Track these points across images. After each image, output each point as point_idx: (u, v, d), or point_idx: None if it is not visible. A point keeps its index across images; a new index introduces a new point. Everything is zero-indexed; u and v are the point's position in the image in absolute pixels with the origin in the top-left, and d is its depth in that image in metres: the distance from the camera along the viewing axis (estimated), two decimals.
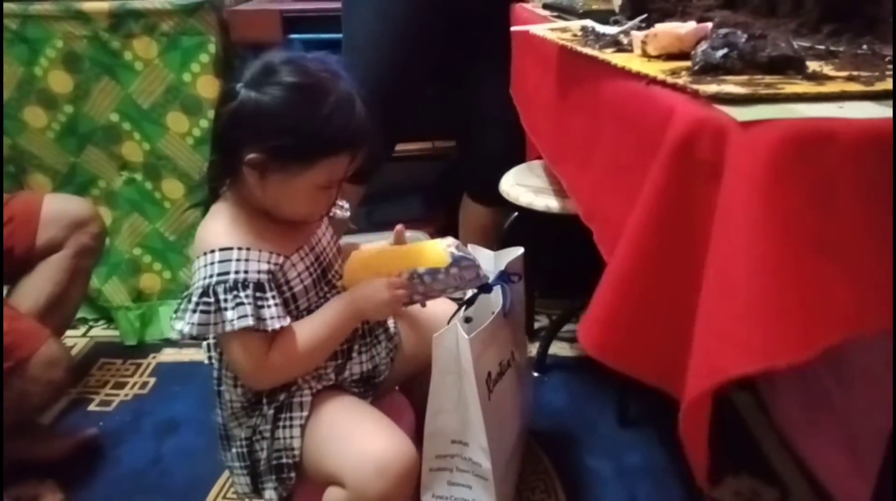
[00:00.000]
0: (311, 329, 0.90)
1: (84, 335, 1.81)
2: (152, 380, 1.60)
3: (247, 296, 0.84)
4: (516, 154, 1.59)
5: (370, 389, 1.04)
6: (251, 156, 0.84)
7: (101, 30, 1.62)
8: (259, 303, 0.85)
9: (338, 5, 1.55)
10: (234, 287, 0.84)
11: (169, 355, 1.69)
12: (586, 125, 0.86)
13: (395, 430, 0.92)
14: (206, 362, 1.01)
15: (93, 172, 1.76)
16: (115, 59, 1.65)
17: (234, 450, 0.98)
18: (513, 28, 1.11)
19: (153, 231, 1.79)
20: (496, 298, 1.13)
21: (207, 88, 1.67)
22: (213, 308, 0.83)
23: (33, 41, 1.62)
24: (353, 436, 0.90)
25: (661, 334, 0.58)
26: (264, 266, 0.87)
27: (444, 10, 1.44)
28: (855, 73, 0.62)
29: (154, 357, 1.69)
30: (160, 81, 1.67)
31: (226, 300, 0.83)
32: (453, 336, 1.01)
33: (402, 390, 1.18)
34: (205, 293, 0.84)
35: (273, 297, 0.86)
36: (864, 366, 1.10)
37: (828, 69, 0.64)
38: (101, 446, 1.35)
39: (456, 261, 0.96)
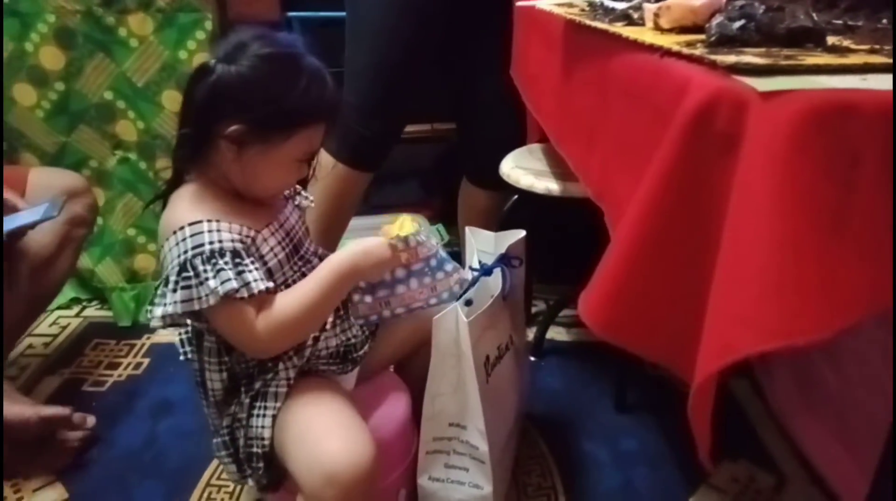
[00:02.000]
0: (303, 291, 0.88)
1: (77, 315, 1.79)
2: (146, 361, 1.58)
3: (226, 263, 0.82)
4: (516, 137, 1.57)
5: (349, 364, 1.02)
6: (233, 128, 0.83)
7: (95, 5, 1.58)
8: (240, 268, 0.83)
9: None
10: (212, 256, 0.82)
11: (163, 336, 1.67)
12: (594, 103, 0.84)
13: (357, 434, 0.88)
14: (182, 358, 0.99)
15: (84, 151, 1.73)
16: (109, 36, 1.62)
17: (218, 439, 0.97)
18: (518, 3, 1.09)
19: (147, 211, 1.76)
20: (495, 281, 1.12)
21: None
22: (194, 282, 0.81)
23: (25, 15, 1.58)
24: (310, 439, 0.87)
25: (669, 311, 0.57)
26: (237, 237, 0.85)
27: None
28: (876, 46, 0.60)
29: (148, 338, 1.67)
30: (155, 59, 1.64)
31: (206, 271, 0.81)
32: (453, 319, 0.99)
33: (398, 370, 1.17)
34: (183, 269, 0.81)
35: (252, 262, 0.85)
36: (859, 353, 1.09)
37: (847, 43, 0.62)
38: (94, 425, 1.33)
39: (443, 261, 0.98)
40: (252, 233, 0.88)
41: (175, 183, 0.92)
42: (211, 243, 0.83)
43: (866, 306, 0.51)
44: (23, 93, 1.64)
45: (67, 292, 1.80)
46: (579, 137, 0.92)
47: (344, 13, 1.47)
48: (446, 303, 0.99)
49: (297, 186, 1.05)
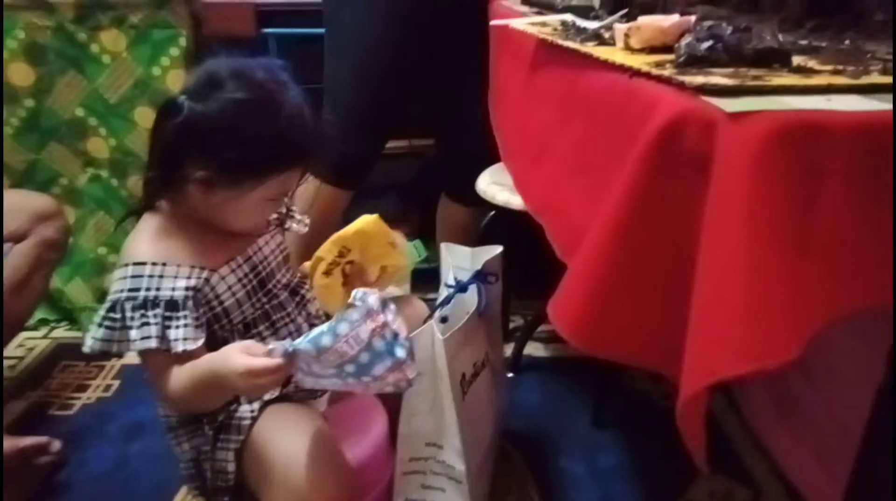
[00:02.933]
0: (186, 381, 0.82)
1: (45, 336, 1.74)
2: (116, 383, 1.55)
3: (154, 316, 0.80)
4: (495, 154, 1.58)
5: (316, 391, 0.99)
6: (199, 173, 0.81)
7: (66, 21, 1.57)
8: (167, 323, 0.80)
9: (312, 0, 1.52)
10: (143, 305, 0.80)
11: (134, 357, 1.63)
12: (550, 120, 0.85)
13: (330, 461, 0.85)
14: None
15: (55, 169, 1.70)
16: (81, 52, 1.60)
17: (183, 472, 0.95)
18: (492, 22, 1.10)
19: (119, 230, 1.73)
20: (471, 298, 1.12)
21: (178, 82, 1.62)
22: (118, 325, 0.80)
23: None
24: (281, 470, 0.83)
25: (643, 316, 0.57)
26: (182, 282, 0.82)
27: (431, 6, 1.43)
28: (840, 67, 0.61)
29: (118, 360, 1.63)
30: (128, 75, 1.63)
31: (132, 319, 0.80)
32: (429, 336, 0.99)
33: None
34: (112, 309, 0.81)
35: (186, 316, 0.81)
36: (832, 366, 1.11)
37: (812, 63, 0.64)
38: (60, 450, 1.29)
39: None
40: (206, 274, 0.85)
41: (143, 205, 0.90)
42: (147, 289, 0.81)
43: (827, 316, 0.52)
44: None
45: (36, 313, 1.75)
46: (526, 152, 0.92)
47: (321, 30, 1.47)
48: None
49: (291, 208, 1.02)
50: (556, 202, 0.77)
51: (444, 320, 1.07)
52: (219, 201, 0.83)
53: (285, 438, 0.86)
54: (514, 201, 1.32)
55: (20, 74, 1.60)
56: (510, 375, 1.57)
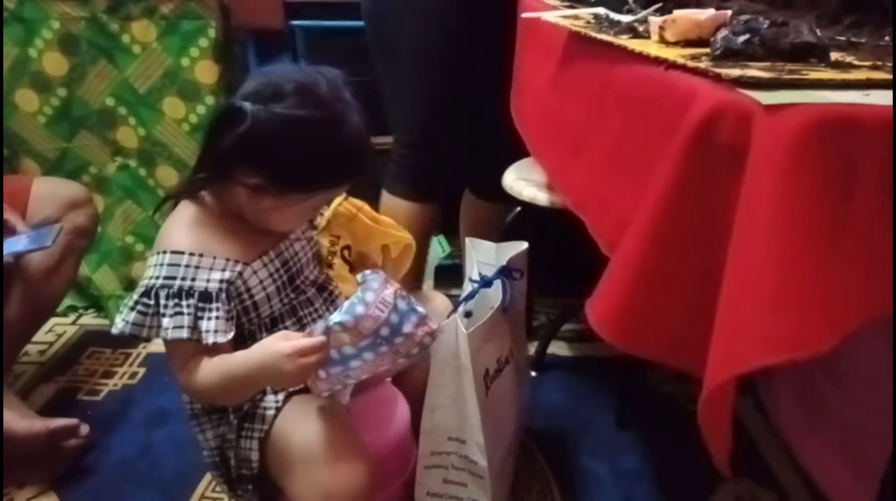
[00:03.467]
0: (224, 372, 0.83)
1: (73, 323, 1.77)
2: (142, 370, 1.57)
3: (188, 306, 0.81)
4: (520, 149, 1.57)
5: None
6: (252, 180, 0.82)
7: (99, 11, 1.59)
8: (200, 314, 0.82)
9: None
10: (178, 294, 0.81)
11: (159, 345, 1.64)
12: (585, 114, 0.84)
13: (352, 453, 0.85)
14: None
15: (85, 157, 1.73)
16: (112, 42, 1.62)
17: (207, 460, 0.95)
18: (523, 14, 1.09)
19: (146, 219, 1.76)
20: (496, 293, 1.11)
21: (206, 73, 1.64)
22: (151, 311, 0.81)
23: (30, 21, 1.59)
24: (305, 460, 0.84)
25: (680, 318, 0.56)
26: (217, 275, 0.84)
27: (480, 12, 1.41)
28: (878, 62, 0.60)
29: (144, 347, 1.66)
30: (158, 66, 1.64)
31: (166, 306, 0.81)
32: (453, 330, 0.98)
33: (396, 380, 1.15)
34: (146, 294, 0.81)
35: (218, 309, 0.83)
36: (861, 370, 1.08)
37: (850, 59, 0.62)
38: (88, 434, 1.31)
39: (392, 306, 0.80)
40: (240, 267, 0.86)
41: (182, 193, 0.91)
42: (183, 278, 0.82)
43: (864, 314, 0.50)
44: (25, 98, 1.64)
45: (64, 300, 1.79)
46: (563, 147, 0.91)
47: (347, 23, 1.47)
48: (418, 356, 0.87)
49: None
50: (597, 196, 0.76)
51: (468, 314, 1.06)
52: (263, 206, 0.85)
53: (308, 429, 0.86)
54: (541, 196, 1.31)
55: (54, 63, 1.62)
56: (534, 373, 1.57)
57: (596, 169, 0.77)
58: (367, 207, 1.09)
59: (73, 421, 1.27)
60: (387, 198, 1.48)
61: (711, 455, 0.54)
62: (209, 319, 0.82)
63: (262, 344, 0.81)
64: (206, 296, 0.82)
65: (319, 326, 0.78)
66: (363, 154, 0.87)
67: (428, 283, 1.71)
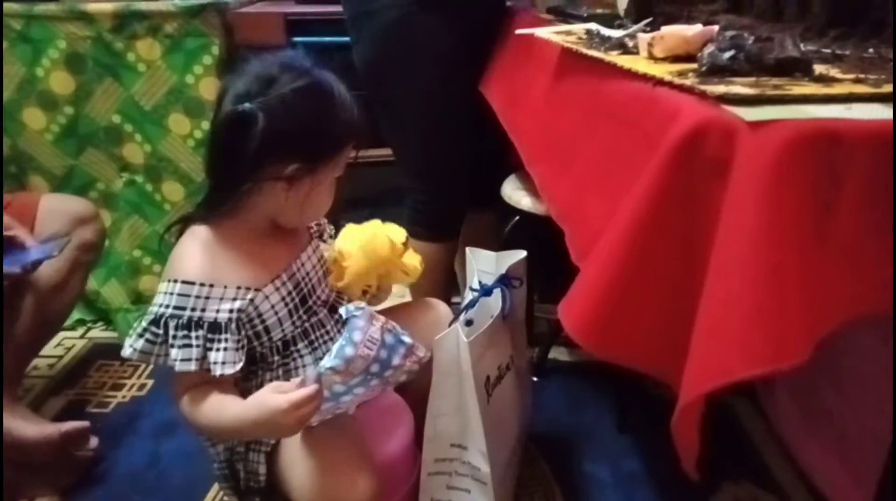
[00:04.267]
0: (221, 416, 0.82)
1: (82, 336, 1.80)
2: (150, 382, 1.59)
3: (197, 337, 0.80)
4: (511, 157, 1.58)
5: None
6: (290, 168, 0.82)
7: (104, 31, 1.62)
8: (209, 345, 0.81)
9: (340, 9, 1.54)
10: (187, 326, 0.80)
11: None
12: (576, 127, 0.86)
13: (358, 463, 0.87)
14: None
15: (92, 174, 1.76)
16: (118, 61, 1.65)
17: (217, 472, 0.96)
18: (517, 31, 1.12)
19: (153, 233, 1.79)
20: (496, 301, 1.13)
21: (210, 90, 1.67)
22: (159, 340, 0.80)
23: (36, 41, 1.62)
24: (311, 472, 0.85)
25: (655, 324, 0.58)
26: (227, 305, 0.83)
27: (477, 38, 1.42)
28: (862, 75, 0.62)
29: None
30: (163, 83, 1.67)
31: (174, 337, 0.80)
32: (454, 339, 1.00)
33: (398, 389, 1.16)
34: (155, 322, 0.80)
35: (227, 339, 0.82)
36: (860, 373, 1.10)
37: (834, 72, 0.64)
38: (98, 446, 1.33)
39: (381, 343, 0.80)
40: (251, 294, 0.86)
41: (197, 218, 0.90)
42: (193, 309, 0.81)
43: (844, 312, 0.52)
44: (32, 117, 1.68)
45: (73, 314, 1.81)
46: (554, 158, 0.93)
47: (347, 38, 1.49)
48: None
49: (323, 220, 1.03)
50: (579, 208, 0.78)
51: (468, 323, 1.08)
52: (301, 195, 0.85)
53: (315, 441, 0.87)
54: (539, 206, 1.33)
55: (61, 82, 1.65)
56: (535, 379, 1.58)
57: (582, 181, 0.79)
58: (388, 239, 1.06)
59: (83, 424, 1.29)
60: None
61: (682, 459, 0.55)
62: (218, 350, 0.81)
63: (256, 400, 0.78)
64: (215, 327, 0.82)
65: (311, 374, 0.77)
66: (351, 104, 0.87)
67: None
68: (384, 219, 1.10)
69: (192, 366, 0.80)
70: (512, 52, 1.31)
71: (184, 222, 0.91)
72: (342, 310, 0.82)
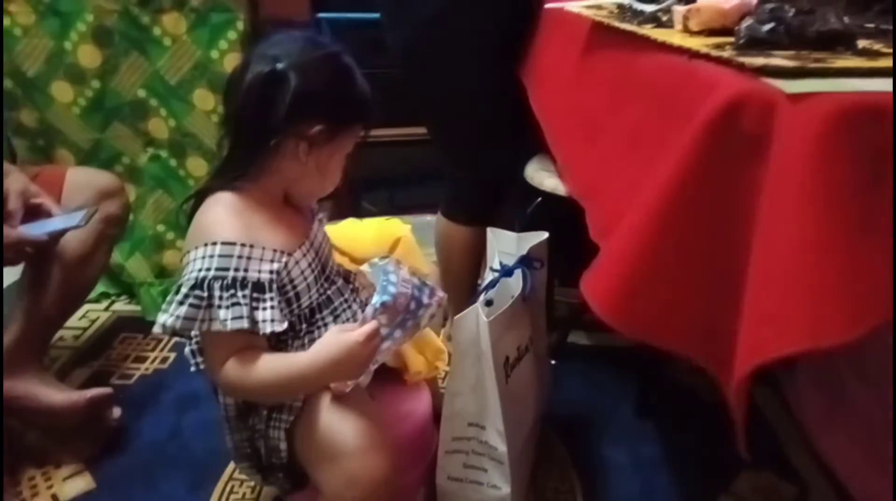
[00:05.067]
0: (281, 372, 0.84)
1: (106, 309, 1.83)
2: (172, 355, 1.61)
3: (244, 296, 0.80)
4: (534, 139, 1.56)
5: None
6: (316, 128, 0.85)
7: (131, 4, 1.63)
8: (255, 304, 0.81)
9: None
10: (233, 285, 0.80)
11: None
12: (602, 104, 0.84)
13: (372, 440, 0.87)
14: (194, 369, 0.96)
15: (117, 148, 1.77)
16: (144, 34, 1.66)
17: (237, 452, 0.97)
18: (547, 5, 1.09)
19: (177, 208, 1.79)
20: (516, 282, 1.12)
21: (235, 65, 1.66)
22: (204, 303, 0.79)
23: (65, 14, 1.63)
24: (328, 446, 0.86)
25: (688, 303, 0.56)
26: (267, 266, 0.84)
27: (511, 17, 1.39)
28: None
29: None
30: (188, 58, 1.67)
31: (221, 298, 0.79)
32: (474, 318, 1.00)
33: None
34: (198, 286, 0.79)
35: (272, 298, 0.83)
36: (885, 364, 1.07)
37: (878, 47, 0.62)
38: (121, 416, 1.36)
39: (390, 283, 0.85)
40: (285, 258, 0.87)
41: (212, 186, 0.90)
42: (237, 269, 0.81)
43: (888, 311, 0.50)
44: (61, 90, 1.69)
45: (97, 287, 1.84)
46: (578, 137, 0.91)
47: (373, 14, 1.47)
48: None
49: (315, 205, 1.03)
50: (601, 185, 0.76)
51: (488, 303, 1.08)
52: (317, 159, 0.88)
53: (333, 417, 0.88)
54: (562, 187, 1.32)
55: (88, 55, 1.66)
56: (553, 362, 1.58)
57: (606, 158, 0.77)
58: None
59: (108, 390, 1.32)
60: (447, 225, 1.49)
61: (736, 442, 0.54)
62: (264, 309, 0.82)
63: (328, 341, 0.83)
64: (259, 286, 0.82)
65: (368, 311, 0.83)
66: (362, 79, 0.91)
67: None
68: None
69: (245, 323, 0.80)
70: (542, 32, 1.29)
71: (200, 196, 0.91)
72: (365, 266, 0.88)
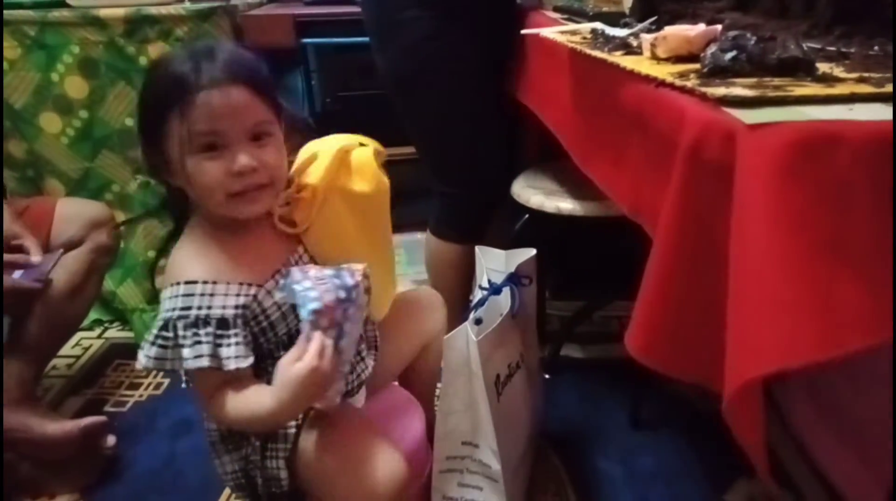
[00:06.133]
0: (250, 408, 0.82)
1: (99, 336, 1.83)
2: (166, 381, 1.62)
3: (206, 334, 0.80)
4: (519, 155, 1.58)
5: (356, 387, 0.98)
6: (158, 139, 0.81)
7: (116, 35, 1.65)
8: (219, 341, 0.81)
9: (350, 9, 1.55)
10: (195, 324, 0.80)
11: None
12: (613, 125, 0.85)
13: (380, 446, 0.88)
14: (185, 386, 0.93)
15: (107, 176, 1.78)
16: (130, 65, 1.67)
17: (231, 483, 0.97)
18: (523, 31, 1.11)
19: (167, 234, 1.81)
20: (505, 300, 1.14)
21: None
22: (170, 344, 0.80)
23: (51, 47, 1.65)
24: (338, 464, 0.87)
25: (695, 333, 0.59)
26: (232, 301, 0.83)
27: (493, 35, 1.42)
28: (865, 74, 0.61)
29: None
30: None
31: (184, 337, 0.80)
32: (463, 337, 1.01)
33: (404, 383, 1.17)
34: (165, 327, 0.81)
35: (236, 334, 0.82)
36: (877, 371, 1.09)
37: (838, 71, 0.64)
38: (115, 445, 1.36)
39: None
40: (254, 290, 0.85)
41: (172, 211, 0.91)
42: (199, 308, 0.81)
43: (867, 334, 0.51)
44: (49, 121, 1.71)
45: (90, 314, 1.84)
46: (605, 157, 0.90)
47: (355, 39, 1.50)
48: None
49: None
50: (646, 201, 0.76)
51: (478, 321, 1.09)
52: (188, 168, 0.81)
53: (334, 438, 0.88)
54: (548, 204, 1.34)
55: (75, 87, 1.68)
56: (547, 376, 1.59)
57: (639, 175, 0.76)
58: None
59: (102, 418, 1.32)
60: (437, 243, 1.50)
61: (749, 458, 0.56)
62: (228, 345, 0.82)
63: (279, 383, 0.78)
64: (223, 323, 0.82)
65: (305, 329, 0.78)
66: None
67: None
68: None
69: (205, 362, 0.80)
70: (533, 53, 1.31)
71: (178, 229, 0.91)
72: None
